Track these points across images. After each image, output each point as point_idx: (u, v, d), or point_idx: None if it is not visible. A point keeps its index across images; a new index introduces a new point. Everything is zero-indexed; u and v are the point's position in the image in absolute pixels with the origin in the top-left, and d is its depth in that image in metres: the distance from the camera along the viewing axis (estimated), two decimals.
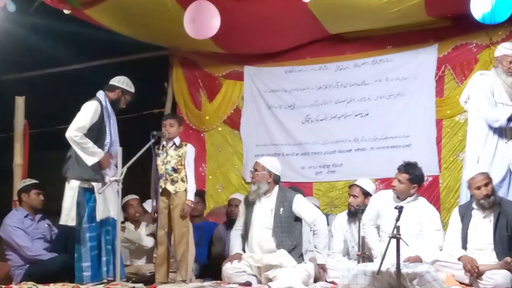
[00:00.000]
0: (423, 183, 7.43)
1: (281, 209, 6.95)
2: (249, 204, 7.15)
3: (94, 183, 6.86)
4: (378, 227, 7.16)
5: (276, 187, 7.11)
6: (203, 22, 7.19)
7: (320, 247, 6.97)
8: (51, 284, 6.14)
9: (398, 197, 6.95)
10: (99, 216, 6.81)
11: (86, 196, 6.88)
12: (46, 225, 7.61)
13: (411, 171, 6.89)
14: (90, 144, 6.85)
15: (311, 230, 7.21)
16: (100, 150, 6.89)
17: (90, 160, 6.84)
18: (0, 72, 11.19)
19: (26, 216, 7.45)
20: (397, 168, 7.00)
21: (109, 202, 6.90)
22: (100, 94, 7.17)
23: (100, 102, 7.07)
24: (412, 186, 6.93)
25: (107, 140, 7.00)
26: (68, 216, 6.85)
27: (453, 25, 8.49)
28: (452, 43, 8.57)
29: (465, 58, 8.49)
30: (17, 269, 7.26)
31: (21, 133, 8.66)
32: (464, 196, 7.19)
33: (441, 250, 6.72)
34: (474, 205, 6.66)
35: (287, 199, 7.00)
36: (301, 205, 7.02)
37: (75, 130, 6.86)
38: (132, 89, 7.28)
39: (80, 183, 6.89)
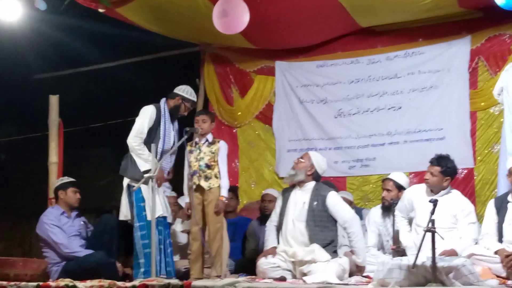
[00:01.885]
0: (456, 176, 7.36)
1: (315, 203, 6.92)
2: (285, 196, 7.15)
3: (142, 185, 6.94)
4: (410, 220, 7.13)
5: (313, 182, 7.08)
6: (232, 17, 7.20)
7: (358, 251, 6.90)
8: (88, 281, 6.17)
9: (431, 191, 6.91)
10: (149, 216, 6.91)
11: (135, 196, 7.01)
12: (82, 222, 7.66)
13: (443, 164, 6.84)
14: (146, 152, 7.06)
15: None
16: (154, 160, 6.97)
17: (143, 166, 7.03)
18: (33, 71, 11.33)
19: (62, 214, 7.51)
20: (429, 161, 6.95)
21: (159, 202, 6.98)
22: (162, 101, 7.33)
23: (157, 107, 7.24)
24: (445, 179, 6.89)
25: (160, 146, 7.12)
26: (122, 213, 7.21)
27: (485, 16, 8.40)
28: (485, 34, 8.48)
29: (498, 49, 8.40)
30: (54, 266, 7.32)
31: (55, 131, 8.72)
32: (502, 187, 7.11)
33: (476, 243, 6.67)
34: (509, 198, 6.60)
35: (322, 193, 6.96)
36: (334, 203, 6.95)
37: (134, 136, 7.12)
38: (192, 97, 7.40)
39: (129, 182, 7.11)
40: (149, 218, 6.87)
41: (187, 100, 7.32)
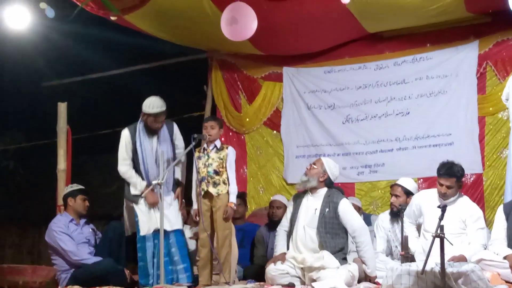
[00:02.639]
0: (465, 181, 7.35)
1: (326, 210, 6.88)
2: (297, 202, 7.13)
3: (133, 204, 7.19)
4: (418, 226, 7.11)
5: (325, 188, 7.06)
6: (241, 24, 7.20)
7: (367, 261, 6.86)
8: None
9: (441, 197, 6.87)
10: (143, 231, 7.05)
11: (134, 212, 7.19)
12: (91, 230, 7.68)
13: (457, 172, 6.77)
14: (133, 179, 7.20)
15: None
16: (142, 184, 7.15)
17: (133, 191, 7.21)
18: (42, 79, 11.37)
19: (71, 221, 7.53)
20: (440, 174, 6.80)
21: (153, 217, 7.08)
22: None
23: (130, 129, 7.26)
24: (459, 185, 6.86)
25: (141, 168, 7.19)
26: (126, 229, 7.44)
27: (493, 21, 8.39)
28: (493, 39, 8.46)
29: (507, 54, 8.37)
30: (63, 273, 7.34)
31: (64, 139, 8.74)
32: (510, 193, 7.10)
33: (485, 248, 6.65)
34: None
35: (334, 200, 6.91)
36: (345, 210, 6.90)
37: (120, 164, 7.26)
38: (151, 109, 7.09)
39: (126, 201, 7.33)
40: (141, 233, 7.03)
41: (147, 113, 7.13)
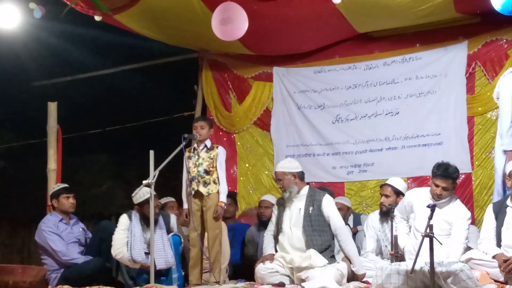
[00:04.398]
0: None
1: (311, 208, 6.94)
2: (281, 205, 7.17)
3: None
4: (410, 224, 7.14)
5: (306, 187, 7.10)
6: (232, 24, 7.22)
7: (351, 259, 6.90)
8: (87, 287, 6.20)
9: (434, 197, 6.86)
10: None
11: None
12: (81, 229, 7.68)
13: (453, 173, 6.74)
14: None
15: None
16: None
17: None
18: (32, 78, 11.35)
19: (60, 221, 7.52)
20: (436, 175, 6.74)
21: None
22: None
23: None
24: (454, 187, 6.87)
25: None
26: None
27: (482, 21, 8.43)
28: (482, 39, 8.50)
29: (495, 54, 8.42)
30: (53, 273, 7.34)
31: (54, 138, 8.73)
32: (497, 192, 7.12)
33: (465, 249, 6.65)
34: (508, 203, 6.60)
35: (317, 198, 6.98)
36: (329, 207, 6.98)
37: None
38: (137, 199, 7.13)
39: None
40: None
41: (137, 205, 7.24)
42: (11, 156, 13.17)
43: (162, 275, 6.98)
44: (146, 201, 6.93)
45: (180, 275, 7.16)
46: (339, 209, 7.86)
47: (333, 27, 8.84)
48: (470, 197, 8.37)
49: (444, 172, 6.70)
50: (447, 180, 6.71)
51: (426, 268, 5.57)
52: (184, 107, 10.34)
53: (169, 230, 7.26)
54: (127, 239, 6.98)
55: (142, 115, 10.74)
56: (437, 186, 6.75)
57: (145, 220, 7.08)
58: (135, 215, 7.13)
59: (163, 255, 6.91)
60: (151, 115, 10.73)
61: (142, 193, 7.02)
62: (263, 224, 7.90)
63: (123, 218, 7.16)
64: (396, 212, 7.14)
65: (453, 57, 8.64)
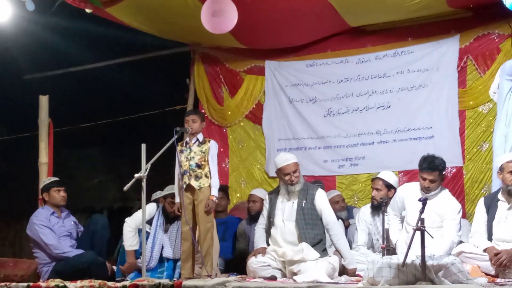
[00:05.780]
0: (446, 175, 7.36)
1: (304, 202, 6.96)
2: (272, 198, 7.18)
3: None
4: (402, 219, 7.15)
5: (301, 181, 7.11)
6: (221, 17, 7.21)
7: (342, 253, 6.94)
8: (78, 281, 6.19)
9: (423, 190, 6.88)
10: None
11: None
12: (72, 222, 7.66)
13: (439, 165, 6.76)
14: (129, 235, 7.48)
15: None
16: (133, 245, 7.47)
17: (125, 246, 7.54)
18: (23, 72, 11.31)
19: (52, 214, 7.51)
20: (422, 168, 6.76)
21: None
22: None
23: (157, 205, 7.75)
24: (442, 178, 6.89)
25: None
26: None
27: (474, 16, 8.43)
28: (473, 33, 8.51)
29: (487, 48, 8.43)
30: (45, 267, 7.33)
31: (45, 131, 8.71)
32: (496, 183, 7.09)
33: (456, 243, 6.66)
34: (499, 196, 6.63)
35: (310, 192, 7.01)
36: (322, 202, 7.02)
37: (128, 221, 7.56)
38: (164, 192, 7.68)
39: None
40: None
41: (166, 196, 7.70)
42: (2, 149, 13.13)
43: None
44: (169, 195, 7.53)
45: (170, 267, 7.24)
46: (338, 201, 7.90)
47: (325, 21, 8.83)
48: (461, 191, 8.39)
49: (430, 164, 6.73)
50: (434, 172, 6.73)
51: (418, 261, 5.58)
52: (176, 100, 10.33)
53: None
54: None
55: (134, 108, 10.72)
56: (424, 179, 6.78)
57: (165, 213, 7.64)
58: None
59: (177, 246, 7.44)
60: (143, 108, 10.71)
61: (170, 187, 7.47)
62: (253, 218, 7.91)
63: (152, 206, 7.65)
64: (389, 209, 7.15)
65: (445, 51, 8.65)
